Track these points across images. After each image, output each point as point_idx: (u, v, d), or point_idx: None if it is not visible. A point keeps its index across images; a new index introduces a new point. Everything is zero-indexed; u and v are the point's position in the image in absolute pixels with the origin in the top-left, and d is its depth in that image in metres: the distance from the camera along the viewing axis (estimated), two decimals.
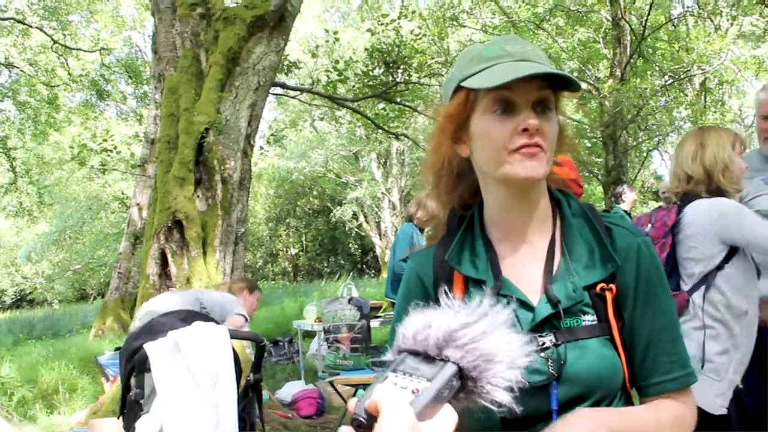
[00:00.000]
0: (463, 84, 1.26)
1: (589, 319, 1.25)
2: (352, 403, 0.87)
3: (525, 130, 1.20)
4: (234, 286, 5.31)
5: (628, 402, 1.30)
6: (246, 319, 5.10)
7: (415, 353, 0.94)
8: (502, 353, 0.93)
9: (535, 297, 1.27)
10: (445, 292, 1.02)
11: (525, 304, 1.26)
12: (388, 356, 0.99)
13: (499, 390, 0.92)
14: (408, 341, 0.95)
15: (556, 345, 1.23)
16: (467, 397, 0.92)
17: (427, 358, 0.93)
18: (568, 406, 1.21)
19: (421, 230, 6.53)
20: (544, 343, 1.22)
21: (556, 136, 1.26)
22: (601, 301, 1.26)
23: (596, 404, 1.23)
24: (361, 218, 30.83)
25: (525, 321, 1.25)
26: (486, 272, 1.31)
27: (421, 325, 0.95)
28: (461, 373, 0.91)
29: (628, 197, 8.71)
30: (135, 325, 4.94)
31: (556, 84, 1.24)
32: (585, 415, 1.15)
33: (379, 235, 30.10)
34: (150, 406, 3.12)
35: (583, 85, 16.50)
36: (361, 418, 0.85)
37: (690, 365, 1.30)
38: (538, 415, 1.21)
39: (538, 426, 1.20)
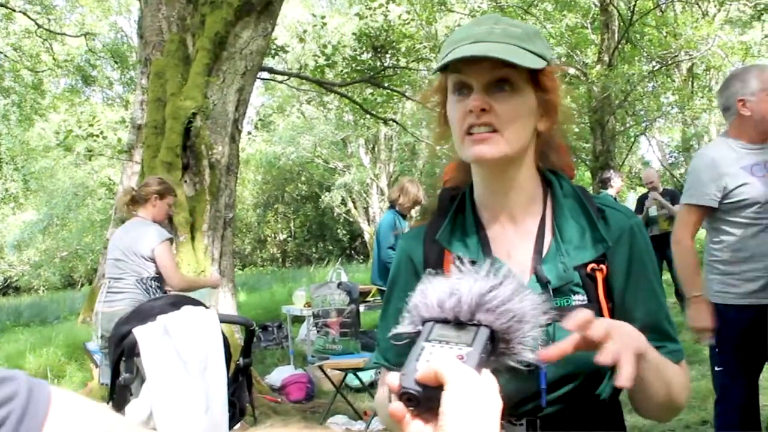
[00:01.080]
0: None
1: (580, 299, 1.26)
2: (392, 379, 0.84)
3: (471, 111, 1.22)
4: (142, 191, 5.04)
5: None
6: (171, 241, 5.10)
7: (443, 321, 0.92)
8: (529, 313, 0.93)
9: (525, 277, 1.28)
10: (459, 259, 1.02)
11: None
12: (405, 327, 0.97)
13: (527, 349, 0.92)
14: (433, 310, 0.93)
15: (546, 324, 1.23)
16: (496, 360, 0.92)
17: (458, 324, 0.91)
18: (556, 385, 1.22)
19: (404, 216, 6.55)
20: None
21: (519, 115, 1.25)
22: (592, 281, 1.27)
23: (585, 383, 1.24)
24: (350, 204, 30.83)
25: None
26: (476, 252, 1.31)
27: (446, 292, 0.94)
28: (493, 336, 0.91)
29: (616, 183, 8.77)
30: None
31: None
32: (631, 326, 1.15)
33: (368, 220, 30.10)
34: (139, 390, 3.12)
35: (571, 71, 16.51)
36: (414, 391, 0.82)
37: (679, 342, 1.32)
38: (526, 396, 1.22)
39: (527, 406, 1.21)
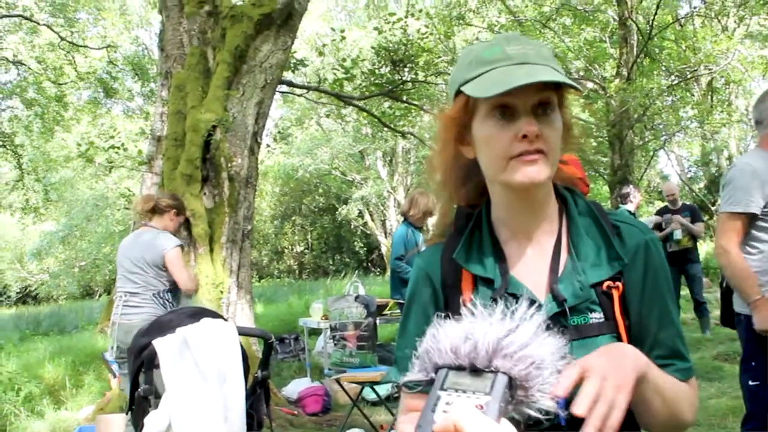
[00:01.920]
0: (462, 89, 1.25)
1: (597, 317, 1.25)
2: (407, 430, 0.81)
3: (525, 136, 1.20)
4: (163, 202, 5.20)
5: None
6: (182, 247, 5.19)
7: (458, 368, 0.89)
8: (548, 358, 0.90)
9: (541, 295, 1.27)
10: (472, 302, 1.00)
11: (532, 303, 1.26)
12: (415, 375, 0.94)
13: (546, 396, 0.89)
14: (447, 356, 0.90)
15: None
16: (515, 408, 0.88)
17: (473, 371, 0.88)
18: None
19: (418, 228, 6.58)
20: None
21: (559, 137, 1.25)
22: (608, 299, 1.26)
23: None
24: (367, 217, 30.85)
25: None
26: (493, 271, 1.31)
27: (460, 337, 0.90)
28: (511, 383, 0.87)
29: (635, 198, 8.75)
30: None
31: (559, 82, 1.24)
32: (632, 347, 1.15)
33: (385, 233, 30.10)
34: (158, 402, 3.14)
35: (590, 85, 16.49)
36: None
37: (689, 359, 1.32)
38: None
39: (542, 425, 1.21)
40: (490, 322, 0.92)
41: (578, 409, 0.94)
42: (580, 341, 1.22)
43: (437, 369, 0.91)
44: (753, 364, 3.21)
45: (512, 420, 0.84)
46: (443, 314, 1.00)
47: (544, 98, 1.21)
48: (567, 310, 1.23)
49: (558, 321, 1.24)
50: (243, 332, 3.34)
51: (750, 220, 3.19)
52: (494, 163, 1.25)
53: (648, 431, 1.29)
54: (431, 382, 0.90)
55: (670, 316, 1.30)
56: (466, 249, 1.35)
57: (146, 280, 4.89)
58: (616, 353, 1.08)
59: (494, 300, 1.25)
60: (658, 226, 8.98)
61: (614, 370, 1.02)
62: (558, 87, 1.25)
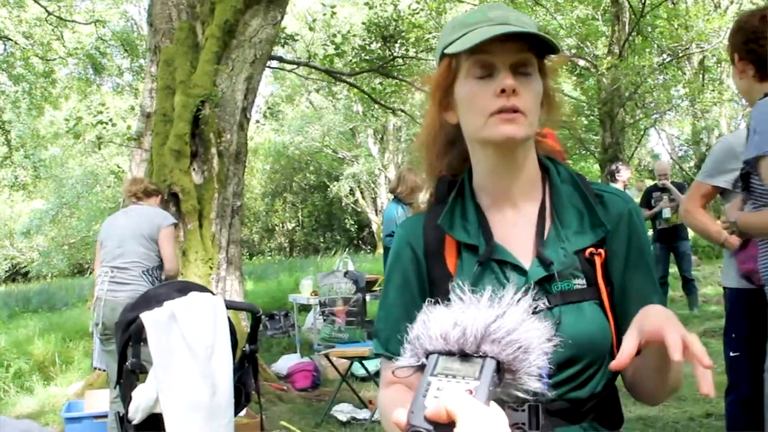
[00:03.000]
0: (444, 51, 1.28)
1: (580, 283, 1.26)
2: (399, 416, 0.82)
3: (503, 91, 1.22)
4: (151, 186, 5.33)
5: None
6: (176, 226, 5.28)
7: (447, 353, 0.90)
8: (535, 341, 0.91)
9: (527, 262, 1.28)
10: (458, 286, 1.01)
11: (517, 268, 1.27)
12: (407, 360, 0.95)
13: (533, 378, 0.90)
14: (437, 342, 0.91)
15: (549, 308, 1.24)
16: (503, 390, 0.90)
17: (462, 356, 0.89)
18: (558, 368, 1.22)
19: (408, 205, 6.60)
20: (537, 306, 1.22)
21: (538, 99, 1.27)
22: (591, 265, 1.28)
23: (587, 367, 1.25)
24: (358, 194, 30.84)
25: (518, 285, 1.26)
26: (477, 237, 1.31)
27: (449, 324, 0.92)
28: (499, 367, 0.89)
29: (623, 175, 8.78)
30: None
31: (539, 49, 1.26)
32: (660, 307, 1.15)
33: (375, 211, 30.11)
34: (146, 376, 3.14)
35: (581, 63, 16.47)
36: (424, 429, 0.80)
37: None
38: None
39: (528, 402, 1.21)
40: (479, 308, 0.93)
41: (676, 354, 0.98)
42: (565, 306, 1.23)
43: (428, 354, 0.92)
44: (733, 335, 3.27)
45: (500, 401, 0.86)
46: (433, 300, 1.01)
47: (522, 59, 1.24)
48: (555, 274, 1.24)
49: (543, 287, 1.25)
50: (231, 306, 3.35)
51: (722, 195, 3.23)
52: (475, 120, 1.27)
53: (640, 396, 1.31)
54: (422, 367, 0.91)
55: (653, 283, 1.33)
56: (450, 216, 1.35)
57: (138, 255, 4.86)
58: (657, 311, 1.09)
59: (479, 264, 1.27)
60: (647, 204, 9.01)
61: (671, 320, 1.03)
62: (540, 55, 1.27)
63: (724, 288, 3.40)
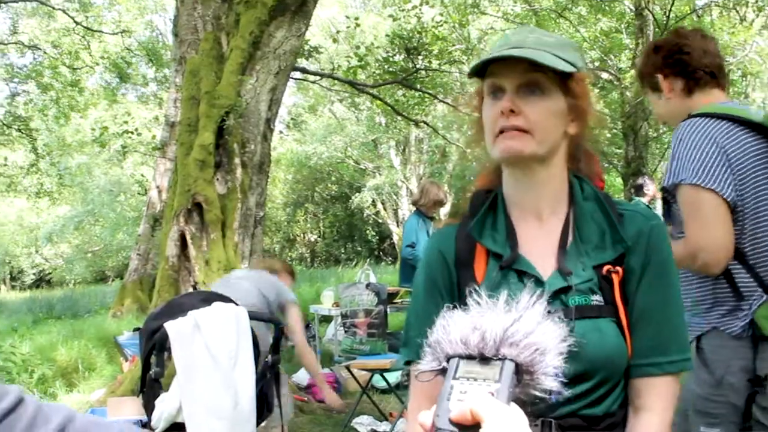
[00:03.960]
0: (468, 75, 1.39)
1: (597, 299, 1.28)
2: (424, 419, 0.86)
3: (503, 113, 1.29)
4: (278, 266, 5.12)
5: (626, 384, 1.32)
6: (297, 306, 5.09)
7: (468, 357, 0.93)
8: (551, 343, 0.94)
9: (546, 273, 1.31)
10: (475, 291, 1.03)
11: (536, 279, 1.29)
12: (428, 365, 0.98)
13: (550, 378, 0.93)
14: (457, 346, 0.94)
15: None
16: (521, 391, 0.93)
17: (482, 360, 0.92)
18: (571, 382, 1.22)
19: (429, 218, 6.61)
20: (552, 310, 1.24)
21: (550, 117, 1.30)
22: (608, 283, 1.29)
23: (601, 384, 1.25)
24: (379, 205, 30.84)
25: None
26: (503, 247, 1.35)
27: (468, 328, 0.95)
28: (517, 369, 0.91)
29: (649, 190, 8.68)
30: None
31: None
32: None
33: (397, 222, 30.07)
34: (169, 384, 3.16)
35: (605, 75, 16.39)
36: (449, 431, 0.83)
37: (688, 351, 1.32)
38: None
39: (539, 404, 1.21)
40: (496, 313, 0.96)
41: None
42: (582, 320, 1.24)
43: (449, 358, 0.95)
44: None
45: (519, 401, 0.88)
46: (452, 305, 1.03)
47: (530, 79, 1.29)
48: (573, 286, 1.26)
49: (559, 299, 1.27)
50: (254, 317, 3.36)
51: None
52: (488, 138, 1.34)
53: None
54: (443, 371, 0.94)
55: (672, 301, 1.31)
56: (481, 225, 1.39)
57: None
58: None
59: (501, 269, 1.31)
60: (668, 212, 8.91)
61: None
62: (559, 72, 1.30)
63: None
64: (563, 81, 1.30)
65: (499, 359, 0.91)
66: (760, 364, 2.08)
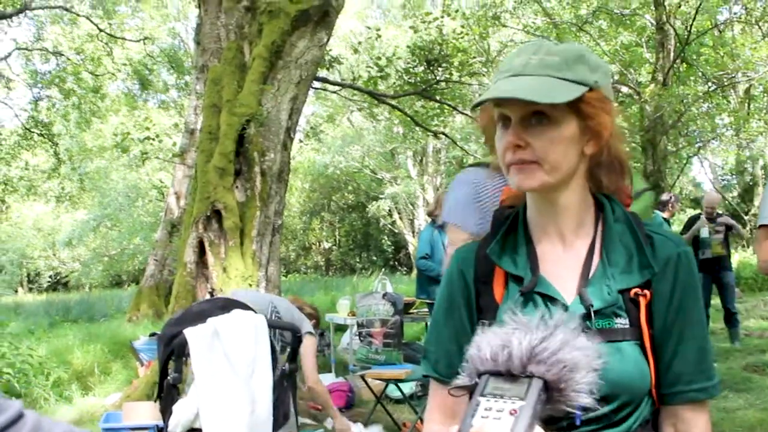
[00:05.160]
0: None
1: (622, 322, 1.26)
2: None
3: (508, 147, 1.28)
4: (307, 308, 5.05)
5: (654, 407, 1.31)
6: (317, 340, 5.04)
7: (497, 374, 0.95)
8: (582, 360, 0.95)
9: (569, 297, 1.29)
10: (510, 309, 1.04)
11: (560, 304, 1.28)
12: (463, 380, 0.99)
13: (582, 394, 0.93)
14: (487, 363, 0.96)
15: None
16: (552, 407, 0.94)
17: (511, 377, 0.94)
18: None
19: (444, 228, 6.62)
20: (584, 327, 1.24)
21: (560, 144, 1.26)
22: (635, 306, 1.27)
23: (622, 407, 1.24)
24: (396, 215, 30.85)
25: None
26: (524, 269, 1.33)
27: (498, 345, 0.96)
28: (546, 386, 0.92)
29: (674, 207, 8.74)
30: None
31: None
32: None
33: (413, 232, 30.08)
34: (187, 390, 3.18)
35: (624, 89, 16.34)
36: None
37: (715, 378, 1.32)
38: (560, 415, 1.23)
39: (560, 423, 1.21)
40: (526, 331, 0.98)
41: None
42: (605, 344, 1.21)
43: (480, 375, 0.97)
44: None
45: (549, 417, 0.89)
46: (487, 323, 1.03)
47: (534, 109, 1.25)
48: (592, 313, 1.24)
49: (583, 323, 1.25)
50: (273, 325, 3.38)
51: None
52: (503, 168, 1.32)
53: None
54: (475, 386, 0.96)
55: (698, 331, 1.31)
56: (501, 246, 1.37)
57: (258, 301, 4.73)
58: None
59: (522, 295, 1.29)
60: (688, 228, 8.91)
61: None
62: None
63: None
64: (572, 103, 1.25)
65: (527, 376, 0.92)
66: None
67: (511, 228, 1.40)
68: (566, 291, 1.30)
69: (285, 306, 4.63)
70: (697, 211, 9.41)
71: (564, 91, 1.23)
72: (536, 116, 1.25)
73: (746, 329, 9.84)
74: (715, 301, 9.41)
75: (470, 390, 0.97)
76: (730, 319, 9.01)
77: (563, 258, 1.34)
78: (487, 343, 0.98)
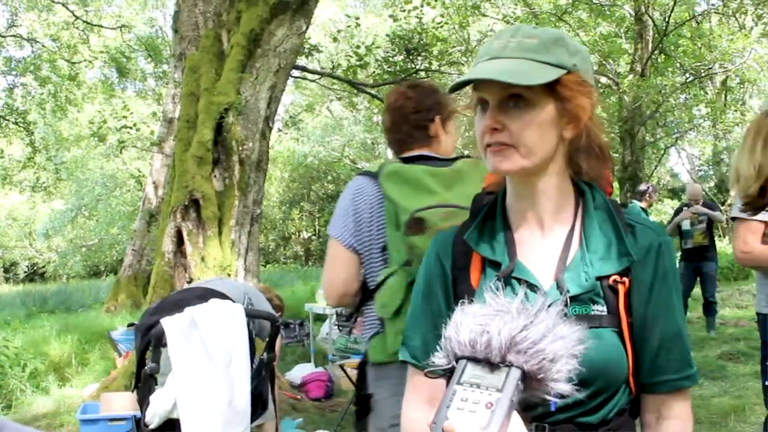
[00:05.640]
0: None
1: (599, 309, 1.26)
2: (422, 420, 0.89)
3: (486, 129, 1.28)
4: (275, 298, 5.13)
5: (631, 396, 1.32)
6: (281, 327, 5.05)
7: (475, 360, 0.93)
8: (562, 350, 0.93)
9: (547, 283, 1.28)
10: (492, 290, 1.03)
11: (537, 288, 1.27)
12: (440, 360, 0.98)
13: (561, 383, 0.93)
14: (465, 348, 0.94)
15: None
16: (529, 394, 0.93)
17: (489, 365, 0.92)
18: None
19: None
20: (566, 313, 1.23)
21: (537, 127, 1.26)
22: (613, 293, 1.27)
23: (598, 393, 1.24)
24: None
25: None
26: (502, 254, 1.33)
27: (477, 330, 0.94)
28: (524, 375, 0.91)
29: (651, 197, 8.83)
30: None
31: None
32: None
33: None
34: (164, 380, 3.16)
35: (603, 80, 16.43)
36: None
37: (695, 365, 1.34)
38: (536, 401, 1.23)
39: (536, 410, 1.21)
40: (508, 317, 0.96)
41: None
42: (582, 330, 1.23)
43: (457, 359, 0.95)
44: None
45: (526, 402, 0.88)
46: (467, 300, 1.02)
47: (511, 92, 1.25)
48: (567, 300, 1.24)
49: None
50: (250, 314, 3.36)
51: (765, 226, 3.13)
52: (480, 151, 1.32)
53: None
54: (452, 370, 0.94)
55: (677, 320, 1.32)
56: (478, 232, 1.37)
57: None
58: None
59: (498, 280, 1.27)
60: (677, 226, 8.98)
61: None
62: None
63: (758, 314, 3.32)
64: (550, 86, 1.25)
65: (506, 365, 0.91)
66: None
67: (489, 214, 1.39)
68: (544, 276, 1.29)
69: (254, 293, 4.64)
70: (682, 202, 9.48)
71: (541, 72, 1.23)
72: (513, 99, 1.25)
73: (722, 318, 9.95)
74: (697, 289, 9.51)
75: (447, 374, 0.95)
76: (709, 308, 9.10)
77: (542, 244, 1.34)
78: (465, 326, 0.96)
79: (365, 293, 2.37)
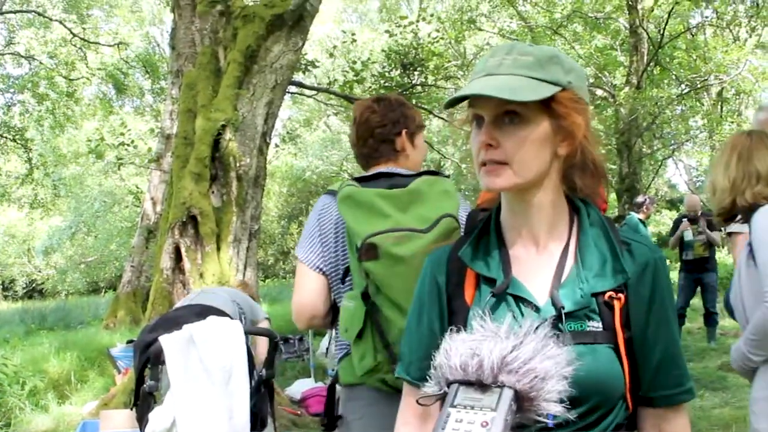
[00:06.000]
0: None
1: (594, 325, 1.26)
2: None
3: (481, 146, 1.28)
4: (248, 290, 5.21)
5: (628, 412, 1.32)
6: (270, 322, 5.10)
7: (467, 383, 0.94)
8: (553, 369, 0.94)
9: (542, 299, 1.29)
10: (479, 315, 1.03)
11: (532, 305, 1.28)
12: (431, 389, 0.98)
13: (552, 403, 0.93)
14: (457, 372, 0.95)
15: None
16: (522, 416, 0.93)
17: (481, 386, 0.93)
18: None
19: None
20: (556, 335, 1.24)
21: (530, 145, 1.26)
22: (609, 309, 1.27)
23: (594, 409, 1.24)
24: None
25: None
26: (497, 271, 1.33)
27: (468, 354, 0.95)
28: (517, 395, 0.92)
29: (648, 209, 8.84)
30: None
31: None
32: None
33: None
34: (163, 398, 3.15)
35: (599, 92, 16.49)
36: None
37: (691, 380, 1.35)
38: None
39: (531, 427, 1.21)
40: (497, 339, 0.97)
41: None
42: (575, 347, 1.22)
43: (449, 384, 0.96)
44: None
45: (520, 425, 0.89)
46: (455, 328, 1.02)
47: (506, 108, 1.25)
48: (563, 315, 1.24)
49: (555, 325, 1.25)
50: (249, 331, 3.36)
51: None
52: (476, 169, 1.32)
53: None
54: (444, 395, 0.95)
55: (673, 336, 1.34)
56: (473, 249, 1.38)
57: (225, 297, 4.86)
58: None
59: (493, 296, 1.29)
60: (675, 230, 9.00)
61: None
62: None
63: None
64: (545, 103, 1.26)
65: (498, 386, 0.92)
66: None
67: (483, 230, 1.40)
68: (539, 293, 1.30)
69: (242, 298, 4.69)
70: (682, 212, 9.50)
71: (536, 89, 1.24)
72: (509, 115, 1.26)
73: (722, 329, 9.93)
74: (694, 301, 9.50)
75: (439, 399, 0.96)
76: (710, 319, 9.10)
77: (536, 260, 1.34)
78: (455, 351, 0.96)
79: (336, 314, 2.32)
